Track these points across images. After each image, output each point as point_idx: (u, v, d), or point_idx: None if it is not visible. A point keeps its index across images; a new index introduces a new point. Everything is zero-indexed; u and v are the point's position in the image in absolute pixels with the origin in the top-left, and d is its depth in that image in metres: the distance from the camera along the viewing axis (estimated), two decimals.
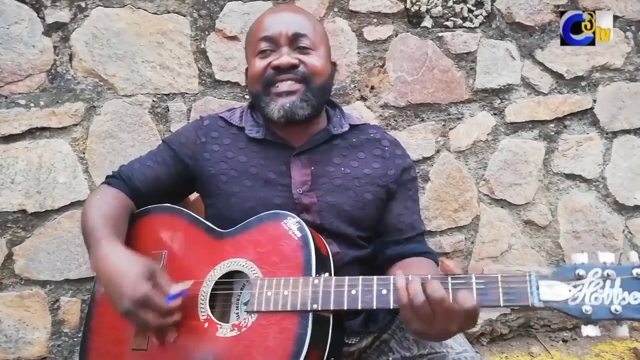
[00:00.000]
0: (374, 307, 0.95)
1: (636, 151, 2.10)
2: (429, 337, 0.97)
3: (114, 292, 1.03)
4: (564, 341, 2.09)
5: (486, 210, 2.01)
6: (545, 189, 2.05)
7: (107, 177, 1.32)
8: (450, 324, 0.89)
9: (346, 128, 1.33)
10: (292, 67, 1.21)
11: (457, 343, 1.13)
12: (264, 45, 1.24)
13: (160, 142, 1.40)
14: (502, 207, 2.03)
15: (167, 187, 1.31)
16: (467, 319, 0.89)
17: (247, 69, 1.35)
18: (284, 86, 1.21)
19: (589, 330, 0.82)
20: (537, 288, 0.85)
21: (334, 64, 1.37)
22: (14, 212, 1.67)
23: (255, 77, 1.25)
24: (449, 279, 0.91)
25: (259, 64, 1.24)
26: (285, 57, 1.21)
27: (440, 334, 0.92)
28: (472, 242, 2.02)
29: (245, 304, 1.10)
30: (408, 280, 0.92)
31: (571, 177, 2.06)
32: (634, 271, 0.81)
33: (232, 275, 1.11)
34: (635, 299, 0.80)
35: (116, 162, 1.69)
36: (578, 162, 2.05)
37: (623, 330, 0.82)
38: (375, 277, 0.97)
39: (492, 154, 1.99)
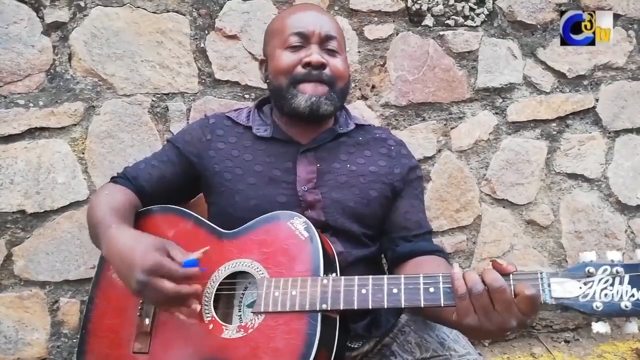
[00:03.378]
0: (385, 307, 0.94)
1: (638, 150, 2.09)
2: (485, 333, 0.91)
3: (125, 269, 1.00)
4: (566, 342, 2.08)
5: (488, 210, 2.00)
6: (547, 188, 2.04)
7: (112, 177, 1.32)
8: (510, 316, 0.86)
9: (352, 127, 1.34)
10: (322, 66, 1.22)
11: (460, 345, 1.13)
12: (295, 40, 1.24)
13: (164, 141, 1.40)
14: (504, 207, 2.02)
15: (172, 186, 1.30)
16: (526, 312, 0.86)
17: (262, 61, 1.35)
18: (311, 85, 1.22)
19: (599, 327, 0.82)
20: (549, 285, 0.85)
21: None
22: (13, 212, 1.66)
23: (282, 71, 1.24)
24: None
25: (289, 57, 1.24)
26: (317, 55, 1.21)
27: (498, 328, 0.87)
28: (474, 243, 2.01)
29: (248, 305, 1.09)
30: (465, 271, 0.90)
31: (573, 176, 2.06)
32: None
33: (235, 276, 1.10)
34: None
35: (115, 162, 1.68)
36: (580, 161, 2.04)
37: (632, 326, 0.82)
38: (385, 277, 0.96)
39: (494, 154, 1.98)
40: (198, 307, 1.00)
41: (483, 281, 0.87)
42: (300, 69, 1.22)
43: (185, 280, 0.98)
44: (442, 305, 0.91)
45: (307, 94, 1.21)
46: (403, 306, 0.93)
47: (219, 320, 1.04)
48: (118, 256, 1.03)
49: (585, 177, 2.06)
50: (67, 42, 1.67)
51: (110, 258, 1.07)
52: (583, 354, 2.01)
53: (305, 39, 1.24)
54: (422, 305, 0.92)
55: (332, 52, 1.25)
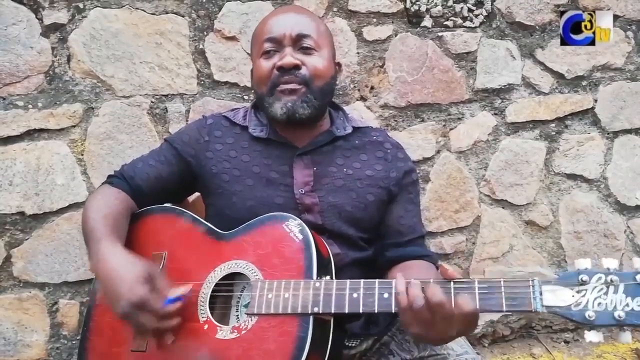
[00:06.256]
0: (376, 311, 0.94)
1: (637, 151, 2.09)
2: (428, 341, 0.97)
3: (111, 294, 1.02)
4: (566, 342, 2.08)
5: (487, 211, 2.00)
6: (546, 189, 2.04)
7: (109, 176, 1.32)
8: (449, 328, 0.88)
9: (349, 130, 1.33)
10: (295, 68, 1.21)
11: (458, 345, 1.13)
12: (268, 46, 1.24)
13: (162, 141, 1.40)
14: (503, 208, 2.02)
15: (169, 186, 1.30)
16: (466, 324, 0.88)
17: (252, 70, 1.35)
18: (286, 86, 1.22)
19: (592, 336, 0.82)
20: (540, 293, 0.84)
21: (338, 65, 1.38)
22: (12, 214, 1.66)
23: (261, 79, 1.25)
24: (452, 283, 0.90)
25: (264, 65, 1.24)
26: (288, 57, 1.21)
27: (439, 338, 0.91)
28: (473, 243, 2.01)
29: (245, 306, 1.09)
30: (409, 284, 0.91)
31: (572, 177, 2.06)
32: (638, 277, 0.80)
33: (232, 277, 1.10)
34: (639, 305, 0.79)
35: (114, 164, 1.69)
36: (579, 162, 2.05)
37: (626, 336, 0.81)
38: (377, 281, 0.96)
39: (493, 154, 1.98)
40: (171, 340, 1.02)
41: (424, 295, 0.88)
42: (275, 73, 1.22)
43: (165, 316, 1.01)
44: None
45: (282, 101, 1.21)
46: (394, 311, 0.93)
47: (214, 321, 1.04)
48: (105, 278, 1.04)
49: (584, 178, 2.06)
50: (66, 43, 1.67)
51: (98, 276, 1.10)
52: (583, 355, 2.01)
53: (277, 43, 1.23)
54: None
55: (307, 50, 1.24)
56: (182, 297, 1.03)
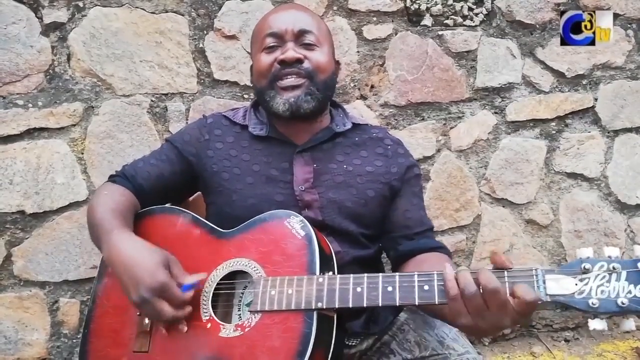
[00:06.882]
0: (380, 304, 0.94)
1: (637, 150, 2.09)
2: (478, 332, 0.92)
3: (130, 280, 1.01)
4: (566, 341, 2.08)
5: (487, 210, 2.00)
6: (546, 188, 2.04)
7: (111, 176, 1.32)
8: (504, 317, 0.85)
9: (349, 126, 1.33)
10: (298, 62, 1.21)
11: (459, 344, 1.12)
12: (270, 41, 1.25)
13: (163, 141, 1.40)
14: (503, 207, 2.02)
15: (170, 185, 1.30)
16: (523, 313, 0.85)
17: (252, 66, 1.36)
18: (288, 81, 1.22)
19: (595, 324, 0.81)
20: (544, 282, 0.84)
21: (337, 63, 1.38)
22: (13, 213, 1.66)
23: (261, 72, 1.25)
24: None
25: (265, 59, 1.24)
26: (291, 51, 1.21)
27: (491, 328, 0.88)
28: (474, 242, 2.01)
29: (247, 304, 1.09)
30: (457, 271, 0.89)
31: (573, 176, 2.06)
32: (639, 264, 0.81)
33: (234, 275, 1.10)
34: None
35: (115, 163, 1.69)
36: (579, 160, 2.05)
37: (629, 323, 0.81)
38: (380, 275, 0.96)
39: (493, 153, 1.98)
40: (185, 329, 1.03)
41: (477, 281, 0.86)
42: (276, 67, 1.22)
43: (182, 304, 1.02)
44: (437, 303, 0.90)
45: (284, 97, 1.21)
46: (398, 304, 0.93)
47: (217, 319, 1.04)
48: (122, 266, 1.04)
49: (584, 177, 2.06)
50: (66, 42, 1.67)
51: (112, 265, 1.08)
52: (583, 353, 2.01)
53: (279, 38, 1.24)
54: (417, 304, 0.92)
55: (309, 46, 1.25)
56: (197, 286, 1.04)
